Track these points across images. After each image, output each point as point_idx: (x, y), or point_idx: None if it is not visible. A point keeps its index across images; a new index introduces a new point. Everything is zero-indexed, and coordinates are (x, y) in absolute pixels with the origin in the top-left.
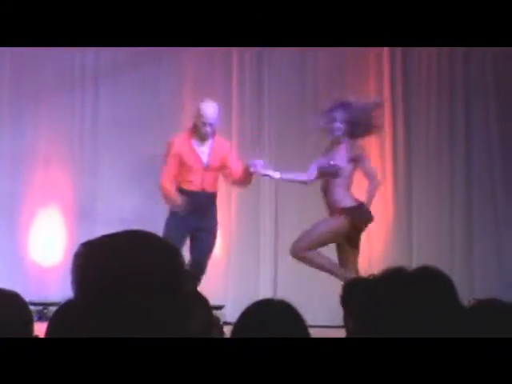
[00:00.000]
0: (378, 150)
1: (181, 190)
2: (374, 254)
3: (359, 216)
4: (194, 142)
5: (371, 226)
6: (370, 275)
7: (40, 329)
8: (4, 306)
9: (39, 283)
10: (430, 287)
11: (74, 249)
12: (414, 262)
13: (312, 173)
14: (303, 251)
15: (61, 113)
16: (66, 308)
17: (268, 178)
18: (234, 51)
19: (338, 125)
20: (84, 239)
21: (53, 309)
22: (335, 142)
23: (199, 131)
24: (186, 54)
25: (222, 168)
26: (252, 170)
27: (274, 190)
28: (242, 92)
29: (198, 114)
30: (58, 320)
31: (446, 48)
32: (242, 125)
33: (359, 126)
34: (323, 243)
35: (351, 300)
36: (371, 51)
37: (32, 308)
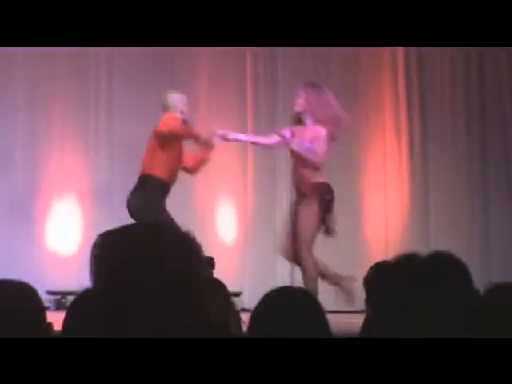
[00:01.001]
0: (395, 150)
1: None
2: (390, 238)
3: (327, 193)
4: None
5: (388, 210)
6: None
7: (58, 318)
8: (13, 296)
9: (57, 272)
10: (443, 273)
11: (92, 237)
12: (431, 247)
13: (277, 139)
14: (305, 255)
15: (75, 101)
16: (83, 297)
17: (236, 141)
18: (248, 51)
19: (300, 100)
20: (101, 228)
21: (71, 298)
22: (298, 122)
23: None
24: (200, 53)
25: None
26: (218, 140)
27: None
28: (256, 92)
29: (178, 103)
30: (76, 309)
31: (460, 48)
32: (256, 124)
33: (320, 108)
34: (314, 238)
35: (370, 284)
36: (386, 51)
37: (50, 297)
